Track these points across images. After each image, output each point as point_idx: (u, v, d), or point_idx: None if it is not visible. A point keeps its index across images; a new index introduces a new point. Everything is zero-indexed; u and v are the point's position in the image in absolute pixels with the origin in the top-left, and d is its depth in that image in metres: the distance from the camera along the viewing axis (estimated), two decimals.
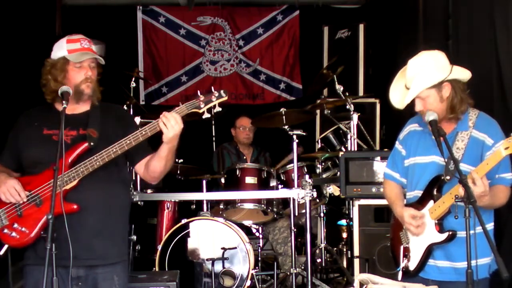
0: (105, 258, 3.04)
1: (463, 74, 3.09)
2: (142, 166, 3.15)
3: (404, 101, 3.02)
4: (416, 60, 3.06)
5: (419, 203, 3.13)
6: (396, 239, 3.28)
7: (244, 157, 6.22)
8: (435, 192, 3.05)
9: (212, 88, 3.05)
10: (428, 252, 3.08)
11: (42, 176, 2.96)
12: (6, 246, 2.97)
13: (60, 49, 3.07)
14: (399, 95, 3.10)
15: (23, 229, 2.94)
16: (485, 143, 3.04)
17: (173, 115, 2.90)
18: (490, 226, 3.08)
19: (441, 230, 3.03)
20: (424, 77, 2.99)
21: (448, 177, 2.98)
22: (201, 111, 3.01)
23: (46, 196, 2.93)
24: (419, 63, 3.04)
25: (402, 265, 3.15)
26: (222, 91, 3.04)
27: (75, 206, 2.91)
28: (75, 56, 3.03)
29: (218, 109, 3.04)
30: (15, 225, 2.94)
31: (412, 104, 3.10)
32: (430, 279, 3.08)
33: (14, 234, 2.94)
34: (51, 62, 3.08)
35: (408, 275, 3.14)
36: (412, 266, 3.14)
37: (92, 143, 2.96)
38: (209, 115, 3.03)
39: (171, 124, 2.89)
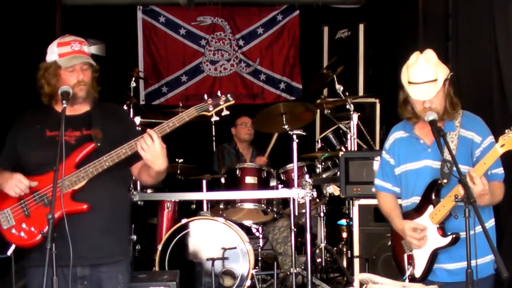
0: (111, 257, 3.05)
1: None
2: (137, 169, 3.16)
3: (436, 89, 2.95)
4: (425, 54, 3.03)
5: (416, 211, 3.10)
6: (398, 248, 3.24)
7: (243, 158, 6.22)
8: (433, 197, 3.03)
9: (219, 92, 3.06)
10: (433, 257, 3.06)
11: (48, 176, 2.94)
12: (13, 246, 2.95)
13: (52, 53, 3.07)
14: (417, 88, 3.01)
15: (32, 229, 2.93)
16: (474, 141, 3.04)
17: (152, 134, 2.88)
18: (491, 222, 3.09)
19: (444, 234, 3.01)
20: (441, 69, 3.00)
21: (445, 181, 2.97)
22: (209, 114, 3.02)
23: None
24: (430, 57, 3.02)
25: (408, 273, 3.11)
26: (229, 95, 3.05)
27: (85, 206, 2.92)
28: (65, 60, 3.03)
29: (226, 112, 3.04)
30: (23, 225, 2.94)
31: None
32: (439, 281, 3.04)
33: (22, 234, 2.94)
34: (44, 66, 3.08)
35: (415, 282, 3.08)
36: (418, 273, 3.11)
37: (98, 144, 2.97)
38: (218, 118, 3.04)
39: (148, 149, 2.87)
